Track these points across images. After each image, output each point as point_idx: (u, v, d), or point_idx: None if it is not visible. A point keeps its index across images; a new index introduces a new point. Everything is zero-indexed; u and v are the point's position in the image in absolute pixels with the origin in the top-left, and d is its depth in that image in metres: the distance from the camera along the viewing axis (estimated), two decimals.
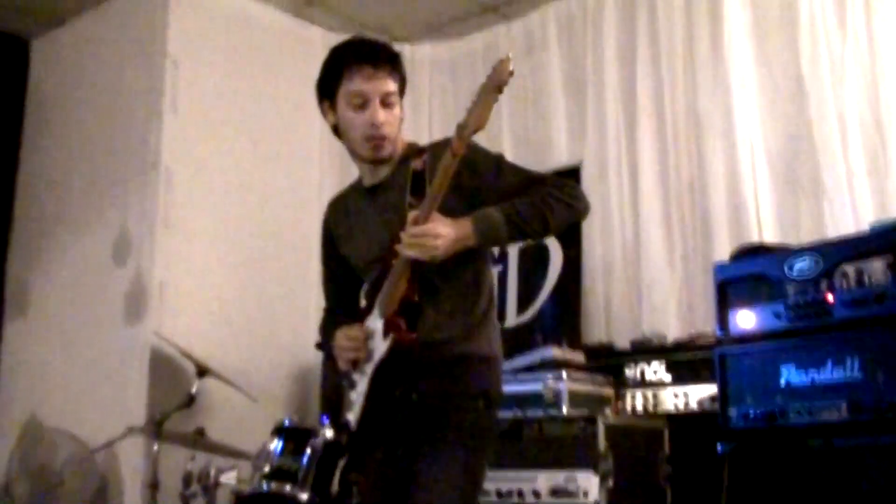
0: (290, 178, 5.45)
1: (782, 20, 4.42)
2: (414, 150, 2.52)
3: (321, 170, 5.60)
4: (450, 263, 2.35)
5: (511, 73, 2.15)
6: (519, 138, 5.35)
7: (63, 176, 5.45)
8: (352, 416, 2.48)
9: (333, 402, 2.71)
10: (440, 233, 2.28)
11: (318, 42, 5.69)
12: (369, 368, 2.42)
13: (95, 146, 5.30)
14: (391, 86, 2.45)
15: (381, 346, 2.38)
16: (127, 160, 5.07)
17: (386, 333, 2.37)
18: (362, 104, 2.45)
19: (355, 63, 2.44)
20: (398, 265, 2.35)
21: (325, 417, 3.32)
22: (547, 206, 2.39)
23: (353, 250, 2.61)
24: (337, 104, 2.51)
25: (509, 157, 5.19)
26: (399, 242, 2.33)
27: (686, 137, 4.64)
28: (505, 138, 5.33)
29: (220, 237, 5.05)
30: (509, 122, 5.38)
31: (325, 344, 2.69)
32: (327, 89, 2.52)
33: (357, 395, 2.46)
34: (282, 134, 5.43)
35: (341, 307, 2.70)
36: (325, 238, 2.72)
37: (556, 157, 5.14)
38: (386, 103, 2.45)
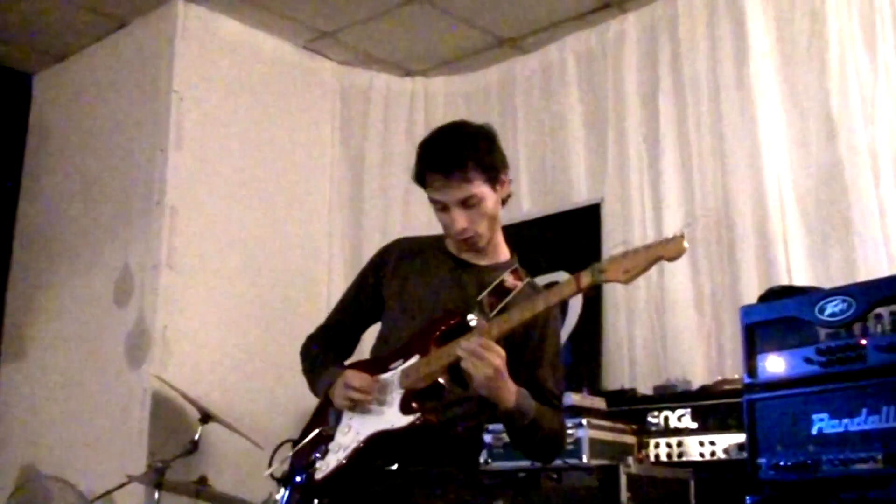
0: (299, 219, 5.49)
1: (810, 54, 4.45)
2: (515, 269, 2.59)
3: (331, 210, 5.64)
4: None
5: (682, 252, 2.15)
6: (536, 175, 5.37)
7: (64, 213, 5.50)
8: (321, 466, 2.49)
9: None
10: (499, 364, 2.31)
11: (330, 76, 5.76)
12: (365, 430, 2.45)
13: (97, 183, 5.36)
14: (469, 189, 2.47)
15: (393, 415, 2.42)
16: (130, 198, 5.12)
17: (407, 408, 2.40)
18: (442, 209, 2.52)
19: (428, 171, 2.51)
20: (443, 353, 2.39)
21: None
22: (557, 439, 2.54)
23: (403, 300, 2.63)
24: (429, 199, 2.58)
25: (525, 194, 5.33)
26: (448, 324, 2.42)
27: (712, 174, 4.66)
28: (522, 175, 5.36)
29: (225, 278, 5.08)
30: (526, 159, 5.41)
31: (313, 362, 2.74)
32: (419, 184, 2.58)
33: (337, 448, 2.49)
34: (291, 172, 5.47)
35: (339, 333, 2.78)
36: (375, 267, 2.75)
37: (576, 195, 5.16)
38: (468, 205, 2.49)
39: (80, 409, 5.01)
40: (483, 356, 2.29)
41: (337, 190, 5.68)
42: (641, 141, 4.96)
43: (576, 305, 4.87)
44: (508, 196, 2.63)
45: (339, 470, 2.45)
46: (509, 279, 2.51)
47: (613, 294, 4.84)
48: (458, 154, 2.48)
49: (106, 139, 5.38)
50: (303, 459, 2.58)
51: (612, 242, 4.89)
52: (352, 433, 2.48)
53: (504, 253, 2.67)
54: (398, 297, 2.65)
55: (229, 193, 5.18)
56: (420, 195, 2.69)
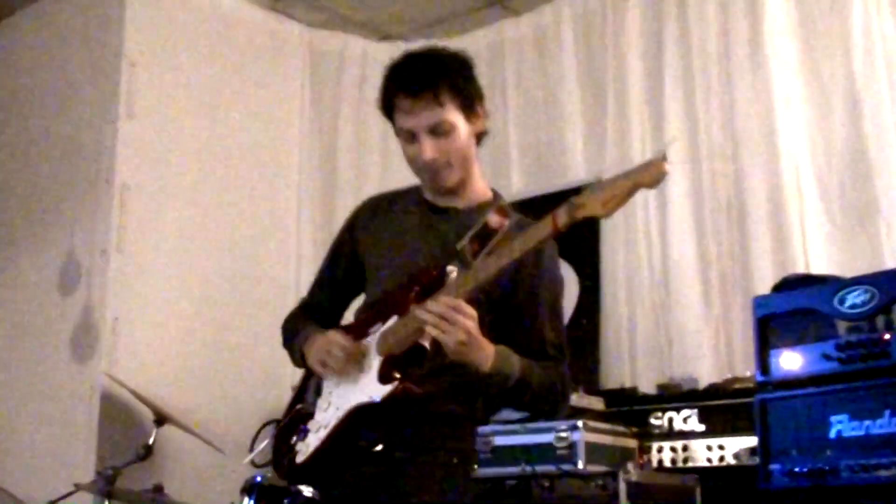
0: (264, 198, 5.48)
1: (832, 18, 4.47)
2: (498, 207, 2.54)
3: (300, 187, 5.63)
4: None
5: (663, 178, 2.10)
6: (529, 150, 5.38)
7: (2, 191, 5.47)
8: (302, 448, 2.50)
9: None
10: (471, 327, 2.28)
11: (298, 40, 5.74)
12: (344, 404, 2.44)
13: (39, 157, 5.33)
14: (440, 114, 2.47)
15: (372, 385, 2.40)
16: (76, 174, 5.09)
17: (385, 377, 2.39)
18: (410, 138, 2.52)
19: (396, 94, 2.51)
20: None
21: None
22: (552, 395, 2.51)
23: (379, 258, 2.66)
24: (396, 131, 2.58)
25: (516, 172, 5.33)
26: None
27: (722, 153, 4.68)
28: (512, 150, 5.37)
29: (182, 265, 5.07)
30: (517, 132, 5.42)
31: (294, 332, 2.73)
32: (386, 113, 2.59)
33: (317, 427, 2.49)
34: (255, 145, 5.46)
35: (321, 308, 2.80)
36: (346, 234, 2.78)
37: (572, 172, 5.17)
38: (438, 133, 2.49)
39: (21, 409, 5.00)
40: (454, 319, 2.26)
41: (306, 165, 5.67)
42: (644, 113, 4.97)
43: (571, 293, 4.88)
44: (484, 133, 2.62)
45: (319, 452, 2.46)
46: (493, 219, 2.45)
47: (613, 282, 4.86)
48: (430, 74, 2.49)
49: (48, 110, 5.35)
50: (284, 442, 2.60)
51: (612, 225, 4.90)
52: (331, 409, 2.49)
53: (484, 192, 2.67)
54: (374, 258, 2.67)
55: (186, 169, 5.16)
56: (399, 167, 2.72)
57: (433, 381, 2.44)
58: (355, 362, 2.47)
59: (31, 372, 5.03)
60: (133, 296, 4.86)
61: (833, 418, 3.22)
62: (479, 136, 2.61)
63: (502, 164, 5.34)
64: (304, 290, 2.95)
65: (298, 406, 2.62)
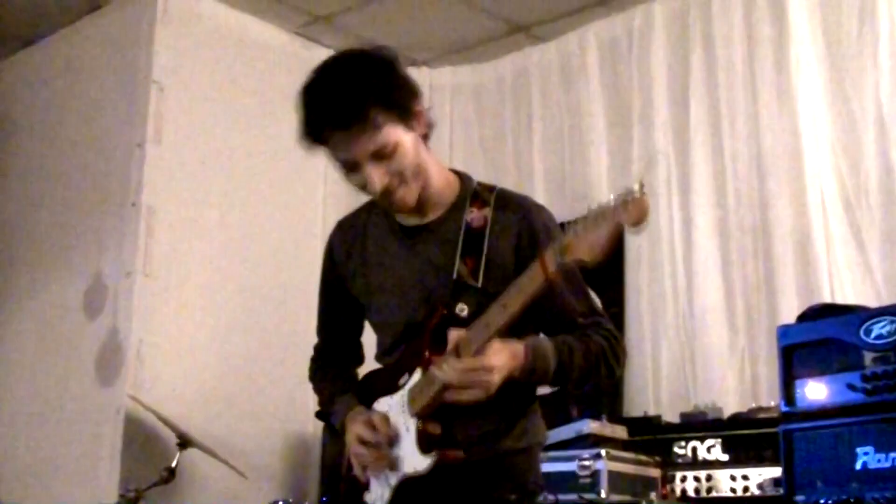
0: (289, 222, 5.49)
1: (859, 42, 4.45)
2: (471, 193, 2.42)
3: (325, 212, 5.63)
4: None
5: (647, 216, 1.96)
6: (554, 178, 5.39)
7: (29, 214, 5.52)
8: None
9: (335, 476, 2.67)
10: (494, 365, 2.19)
11: None
12: (394, 476, 2.38)
13: (67, 181, 5.38)
14: (380, 138, 2.26)
15: (415, 456, 2.32)
16: (103, 197, 5.13)
17: (424, 446, 2.31)
18: (351, 168, 2.33)
19: (325, 127, 2.31)
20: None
21: (325, 498, 3.31)
22: (599, 364, 2.36)
23: (373, 298, 2.54)
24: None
25: (541, 198, 5.34)
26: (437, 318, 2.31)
27: (747, 178, 4.67)
28: (537, 178, 5.38)
29: (207, 288, 5.09)
30: (542, 159, 5.43)
31: (325, 410, 2.67)
32: (313, 144, 2.39)
33: (374, 500, 2.43)
34: (281, 171, 5.48)
35: (337, 347, 2.72)
36: (328, 266, 2.66)
37: (597, 199, 5.14)
38: (382, 155, 2.29)
39: (46, 431, 5.02)
40: (469, 383, 2.19)
41: (332, 191, 5.68)
42: (669, 140, 4.97)
43: None
44: (430, 128, 2.39)
45: None
46: (474, 216, 2.35)
47: (637, 309, 4.85)
48: (357, 99, 2.24)
49: (77, 133, 5.40)
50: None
51: (636, 252, 4.89)
52: (382, 478, 2.41)
53: (450, 186, 2.47)
54: (366, 293, 2.55)
55: (213, 193, 5.19)
56: None
57: (481, 423, 2.36)
58: (387, 447, 2.36)
59: (57, 393, 5.05)
60: (158, 319, 4.88)
61: (859, 450, 3.20)
62: (426, 136, 2.39)
63: (527, 190, 5.31)
64: None
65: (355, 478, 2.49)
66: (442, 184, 2.45)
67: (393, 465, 2.36)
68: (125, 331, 4.81)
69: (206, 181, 5.17)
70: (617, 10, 5.27)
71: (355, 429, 2.41)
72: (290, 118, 5.81)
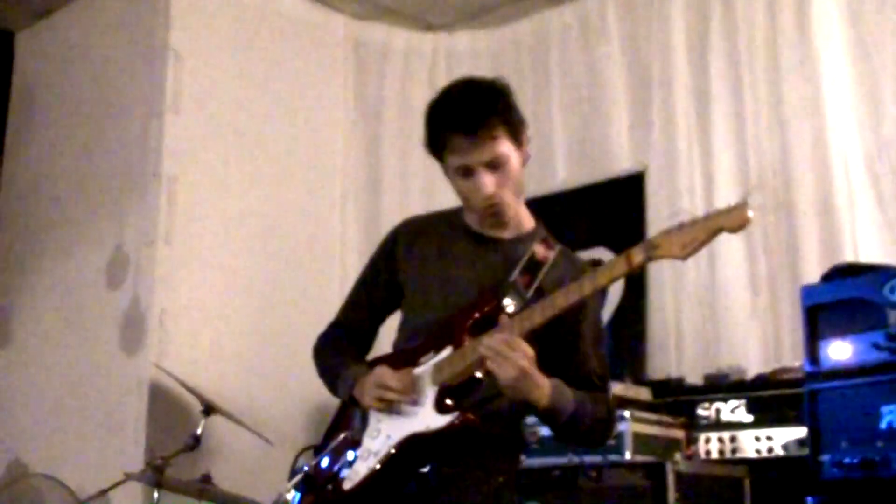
0: (308, 189, 5.51)
1: (883, 5, 4.40)
2: (544, 238, 2.61)
3: (345, 179, 5.65)
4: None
5: (746, 224, 2.14)
6: (574, 142, 5.36)
7: (50, 185, 5.55)
8: (349, 475, 2.50)
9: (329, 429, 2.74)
10: (525, 365, 2.30)
11: (342, 31, 5.76)
12: (397, 433, 2.45)
13: (87, 151, 5.39)
14: (495, 148, 2.49)
15: (427, 416, 2.42)
16: (123, 167, 5.15)
17: (443, 407, 2.41)
18: (466, 174, 2.52)
19: (451, 132, 2.50)
20: (477, 345, 2.39)
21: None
22: (602, 425, 2.54)
23: (423, 285, 2.65)
24: (446, 168, 2.58)
25: (561, 162, 5.31)
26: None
27: (769, 138, 4.64)
28: (557, 142, 5.36)
29: (229, 256, 5.10)
30: (562, 123, 5.40)
31: (333, 372, 2.72)
32: (434, 152, 2.59)
33: (367, 454, 2.49)
34: (300, 138, 5.49)
35: (354, 328, 2.80)
36: (385, 257, 2.77)
37: (617, 163, 5.15)
38: (494, 165, 2.50)
39: (72, 400, 5.07)
40: (508, 356, 2.29)
41: (351, 157, 5.69)
42: (690, 102, 4.93)
43: (617, 284, 4.85)
44: (527, 158, 2.63)
45: (371, 478, 2.46)
46: (540, 250, 2.53)
47: (659, 272, 4.83)
48: (482, 110, 2.49)
49: (96, 103, 5.41)
50: (327, 468, 2.59)
51: (657, 216, 4.88)
52: (381, 437, 2.49)
53: (528, 221, 2.68)
54: (417, 283, 2.66)
55: (232, 162, 5.19)
56: None
57: (486, 405, 2.45)
58: (410, 394, 2.47)
59: (81, 364, 5.09)
60: (180, 287, 4.90)
61: (884, 409, 3.19)
62: (524, 162, 2.61)
63: (547, 154, 5.33)
64: (350, 279, 2.94)
65: (345, 433, 2.59)
66: (523, 212, 2.67)
67: (401, 412, 2.46)
68: (147, 300, 4.84)
69: (225, 149, 5.18)
70: None
71: (379, 371, 2.52)
72: (306, 83, 5.84)
